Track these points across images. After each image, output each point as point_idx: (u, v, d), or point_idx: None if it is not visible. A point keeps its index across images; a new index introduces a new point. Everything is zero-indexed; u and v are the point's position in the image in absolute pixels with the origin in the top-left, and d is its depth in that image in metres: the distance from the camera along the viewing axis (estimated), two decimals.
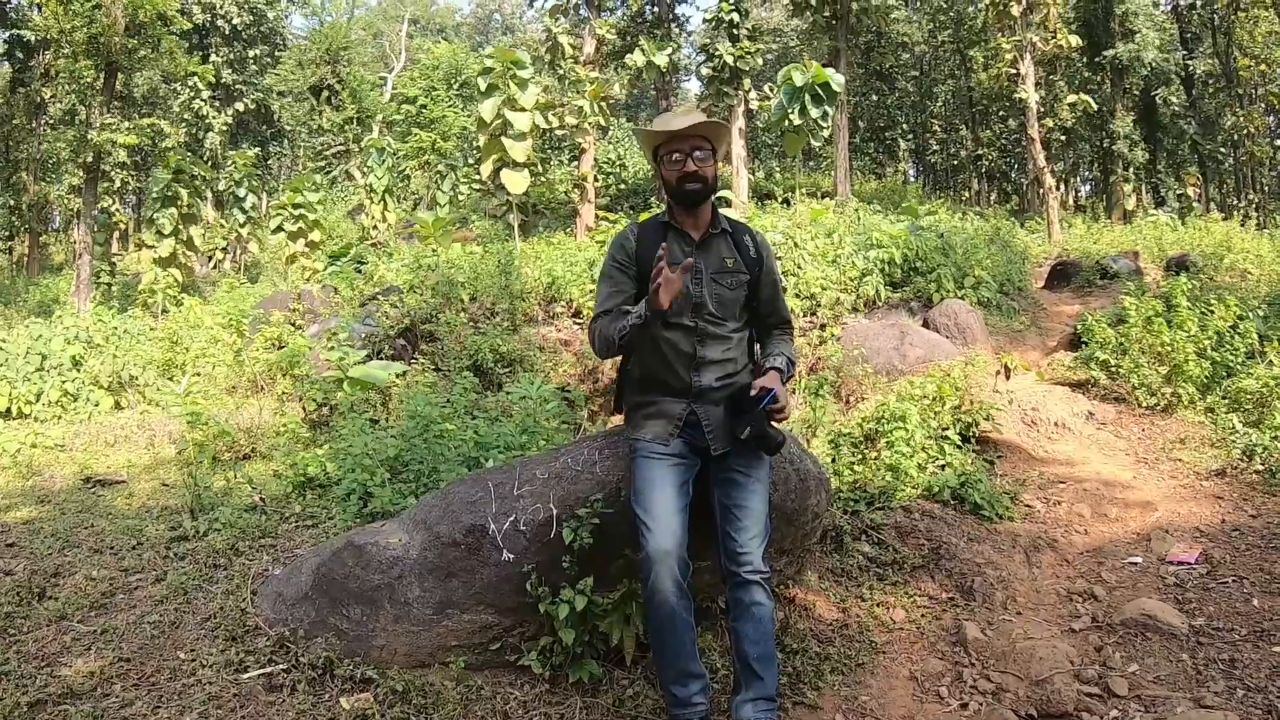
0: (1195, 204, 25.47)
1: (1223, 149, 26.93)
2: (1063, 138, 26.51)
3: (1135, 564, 4.39)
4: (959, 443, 6.01)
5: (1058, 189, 21.87)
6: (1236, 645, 3.35)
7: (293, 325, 9.69)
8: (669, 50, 18.89)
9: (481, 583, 2.98)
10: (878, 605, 3.89)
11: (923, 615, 3.84)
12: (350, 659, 2.92)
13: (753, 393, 2.76)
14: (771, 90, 15.57)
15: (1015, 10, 19.57)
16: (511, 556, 2.96)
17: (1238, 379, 7.03)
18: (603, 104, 14.38)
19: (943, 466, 5.60)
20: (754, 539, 2.76)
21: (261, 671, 2.88)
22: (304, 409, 6.34)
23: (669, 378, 2.88)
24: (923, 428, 5.92)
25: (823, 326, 9.43)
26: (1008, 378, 7.19)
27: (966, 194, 35.45)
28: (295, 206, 17.51)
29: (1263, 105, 25.68)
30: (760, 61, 16.25)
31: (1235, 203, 27.12)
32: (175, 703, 2.73)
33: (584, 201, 14.54)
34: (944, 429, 6.10)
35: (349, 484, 3.86)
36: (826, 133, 13.66)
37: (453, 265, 9.68)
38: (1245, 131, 24.38)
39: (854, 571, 4.14)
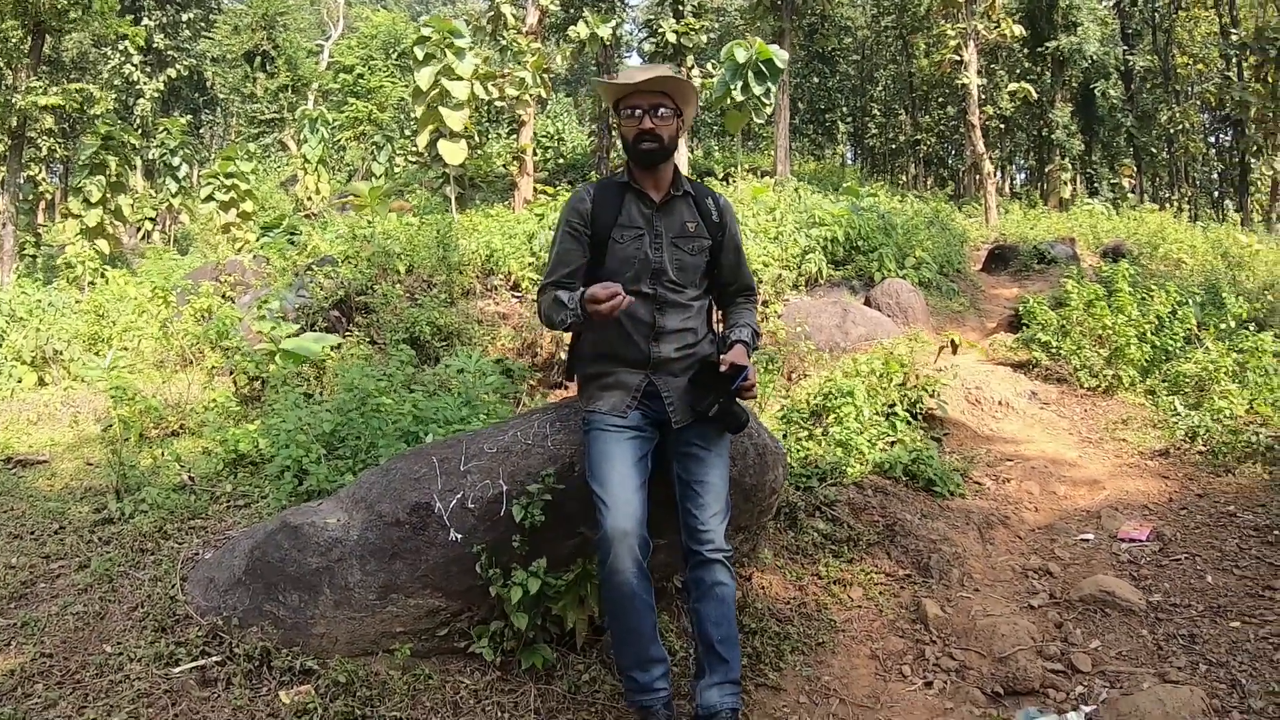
0: (1130, 195, 26.32)
1: (1158, 143, 27.92)
2: (1001, 125, 27.17)
3: (1088, 541, 4.41)
4: (907, 419, 6.01)
5: (995, 175, 22.33)
6: (1195, 621, 3.37)
7: (222, 297, 9.30)
8: (613, 23, 18.62)
9: (428, 564, 2.79)
10: (835, 583, 3.83)
11: (880, 593, 3.79)
12: (289, 649, 2.71)
13: (722, 369, 2.63)
14: (714, 68, 15.46)
15: None
16: (459, 536, 2.78)
17: (1177, 363, 7.19)
18: (544, 76, 14.08)
19: (893, 443, 5.59)
20: (715, 516, 2.65)
21: (194, 665, 2.67)
22: (235, 383, 6.02)
23: (626, 348, 2.76)
24: (870, 404, 5.90)
25: (765, 303, 9.41)
26: (954, 353, 7.23)
27: (904, 178, 36.07)
28: (228, 176, 16.85)
29: (1198, 102, 26.72)
30: (704, 39, 16.12)
31: (1168, 195, 28.24)
32: (102, 701, 2.52)
33: (522, 174, 14.25)
34: (891, 405, 6.09)
35: (282, 461, 3.62)
36: (769, 110, 13.62)
37: (389, 236, 9.38)
38: (1180, 127, 25.34)
39: (809, 549, 4.07)
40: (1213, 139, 29.82)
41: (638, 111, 2.71)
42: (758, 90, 12.87)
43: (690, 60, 15.19)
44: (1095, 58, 23.87)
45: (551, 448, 2.95)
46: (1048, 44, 24.75)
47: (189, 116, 27.54)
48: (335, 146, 24.19)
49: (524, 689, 2.77)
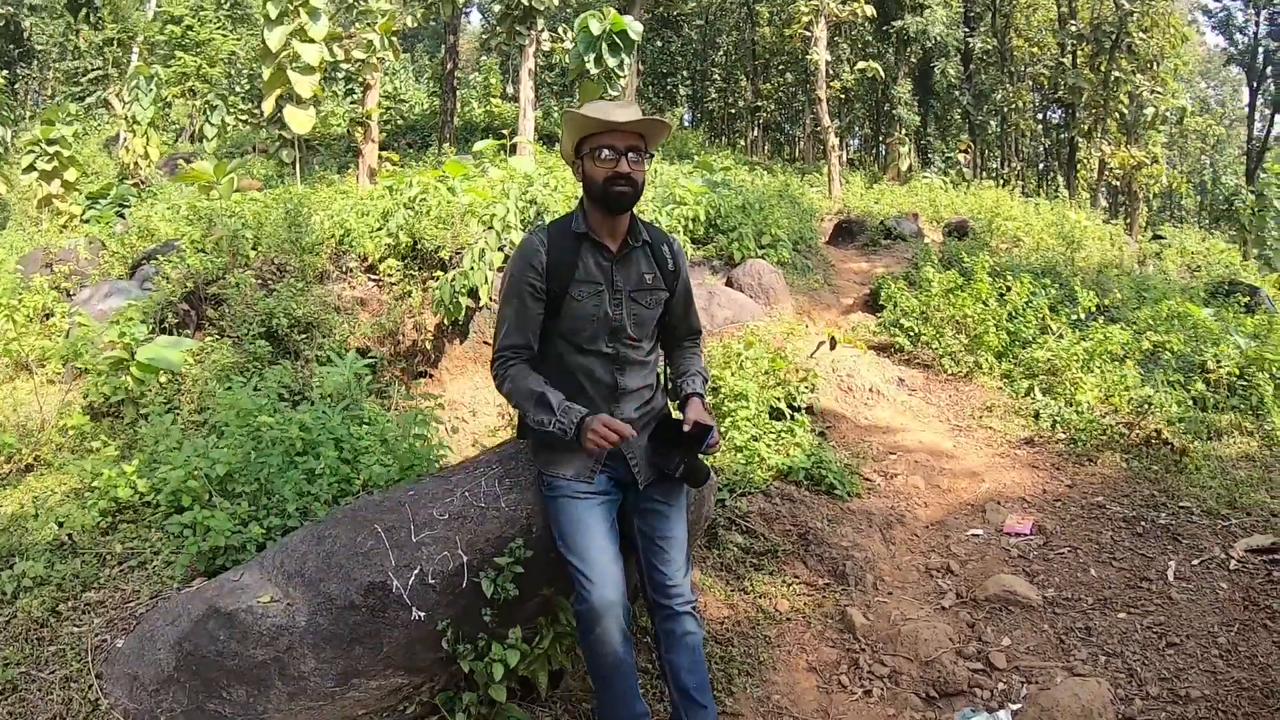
0: (966, 169, 28.89)
1: (991, 119, 30.86)
2: (841, 97, 29.14)
3: (978, 536, 5.05)
4: (789, 414, 6.49)
5: (838, 148, 24.02)
6: (1087, 614, 4.00)
7: (58, 290, 8.63)
8: None
9: (391, 646, 2.80)
10: (761, 597, 4.21)
11: (805, 604, 4.21)
12: None
13: (686, 428, 2.79)
14: (564, 32, 15.56)
15: None
16: (423, 614, 2.82)
17: (1032, 349, 8.15)
18: (392, 38, 13.71)
19: (781, 440, 6.04)
20: (680, 570, 2.84)
21: None
22: (84, 398, 5.68)
23: (588, 410, 2.78)
24: (758, 402, 6.34)
25: None
26: (832, 348, 7.84)
27: (742, 142, 37.65)
28: (50, 143, 15.26)
29: (1030, 82, 29.86)
30: (556, 1, 16.21)
31: (999, 169, 31.37)
32: None
33: (367, 141, 13.85)
34: (777, 401, 6.57)
35: (179, 522, 3.47)
36: (624, 82, 13.93)
37: (232, 214, 8.95)
38: (1013, 105, 28.20)
39: (732, 564, 4.44)
40: (1040, 117, 33.56)
41: (610, 153, 2.70)
42: (612, 62, 13.14)
43: (541, 23, 15.23)
44: (938, 38, 25.99)
45: (507, 509, 3.00)
46: (894, 23, 26.61)
47: (4, 72, 24.69)
48: (163, 105, 22.56)
49: None
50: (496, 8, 15.49)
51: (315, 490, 3.80)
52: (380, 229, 8.92)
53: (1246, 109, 39.08)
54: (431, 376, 8.81)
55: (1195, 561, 4.39)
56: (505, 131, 17.16)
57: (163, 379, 5.96)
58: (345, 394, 5.70)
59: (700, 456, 2.84)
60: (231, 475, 3.84)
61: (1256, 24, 34.91)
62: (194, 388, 6.05)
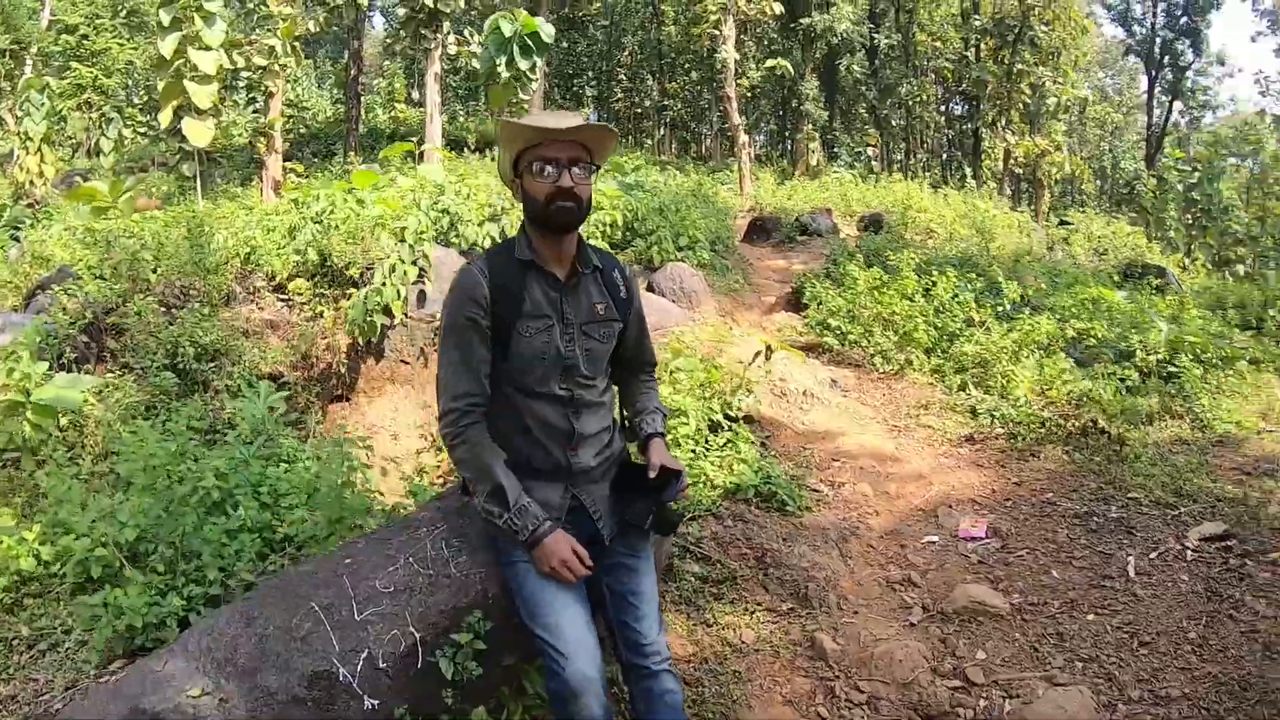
0: (874, 163, 29.75)
1: (896, 112, 31.87)
2: (748, 94, 29.74)
3: (934, 543, 5.05)
4: (727, 425, 6.43)
5: (749, 145, 24.51)
6: (1057, 619, 4.01)
7: None
8: None
9: None
10: (725, 629, 4.10)
11: (771, 632, 4.11)
12: None
13: (651, 474, 2.65)
14: (470, 35, 15.34)
15: None
16: (376, 703, 2.57)
17: (960, 343, 8.30)
18: (295, 44, 13.27)
19: (731, 463, 5.98)
20: (654, 625, 2.68)
21: None
22: None
23: (542, 460, 2.62)
24: (698, 417, 6.27)
25: None
26: (767, 359, 7.82)
27: (650, 142, 37.99)
28: None
29: (933, 76, 30.94)
30: (461, 4, 15.96)
31: (904, 161, 32.50)
32: None
33: (270, 152, 13.36)
34: (714, 412, 6.51)
35: (88, 605, 3.18)
36: (535, 85, 13.79)
37: (131, 234, 8.46)
38: (918, 99, 29.23)
39: (691, 596, 4.32)
40: (944, 109, 34.92)
41: (551, 167, 2.51)
42: (524, 65, 12.99)
43: (447, 27, 14.98)
44: (845, 35, 26.68)
45: (458, 575, 2.77)
46: (802, 20, 27.18)
47: None
48: (57, 118, 21.44)
49: None
50: (401, 11, 15.19)
51: (236, 547, 3.55)
52: (287, 246, 8.55)
53: (1144, 97, 41.25)
54: (348, 400, 8.50)
55: (1153, 554, 4.47)
56: (414, 139, 16.88)
57: (64, 422, 5.56)
58: (261, 429, 5.43)
59: (669, 505, 2.69)
60: (143, 537, 3.56)
61: (1154, 15, 37.03)
62: (97, 430, 5.66)
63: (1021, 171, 28.51)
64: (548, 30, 13.47)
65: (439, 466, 6.89)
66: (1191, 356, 7.40)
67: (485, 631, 2.67)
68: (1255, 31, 56.35)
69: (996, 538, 4.95)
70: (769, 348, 7.83)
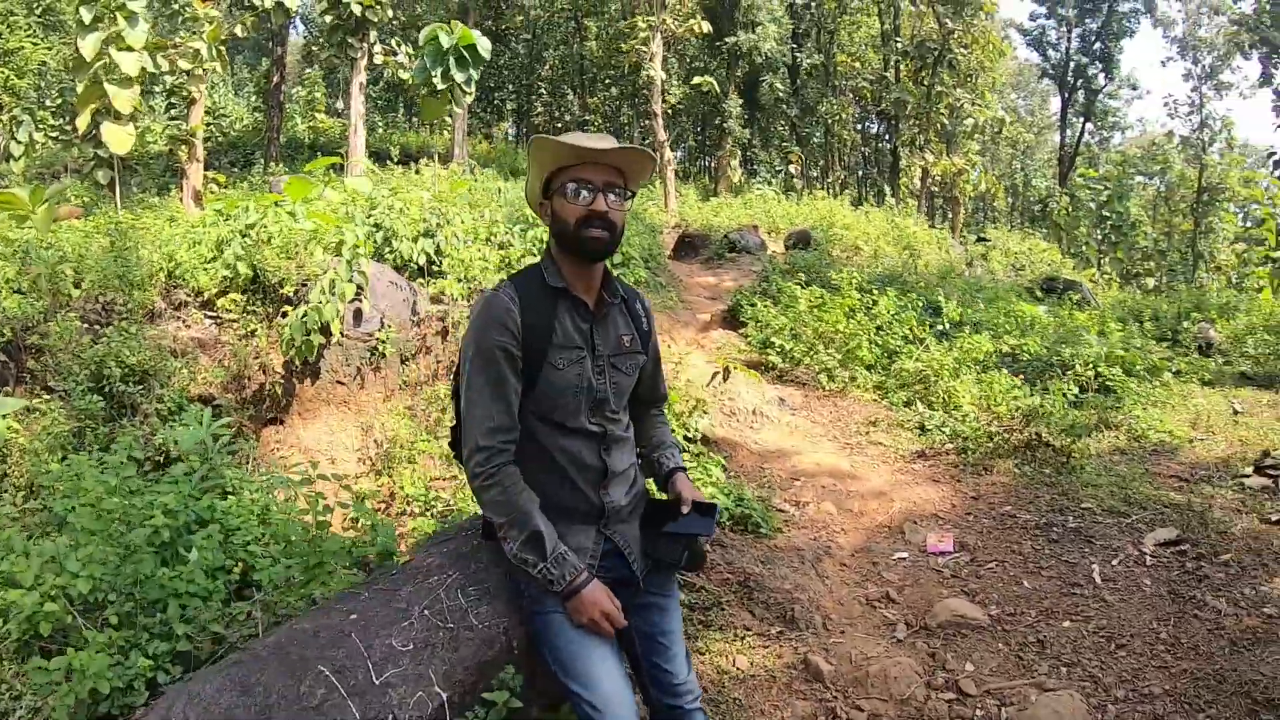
0: (797, 180, 30.59)
1: (816, 130, 32.90)
2: (670, 111, 30.43)
3: (904, 559, 5.26)
4: (685, 445, 6.57)
5: (673, 161, 25.03)
6: (1035, 627, 4.25)
7: None
8: None
9: None
10: (717, 655, 4.20)
11: (764, 656, 4.24)
12: None
13: (684, 509, 2.64)
14: (397, 44, 15.27)
15: None
16: None
17: (900, 360, 8.64)
18: (221, 48, 12.96)
19: (701, 486, 6.12)
20: (684, 665, 2.66)
21: None
22: None
23: (573, 500, 2.53)
24: None
25: None
26: (725, 379, 8.01)
27: None
28: None
29: (852, 95, 32.11)
30: (389, 14, 15.87)
31: (823, 179, 33.60)
32: None
33: (192, 160, 12.98)
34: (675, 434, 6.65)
35: (45, 671, 3.01)
36: (470, 98, 13.79)
37: (49, 246, 8.09)
38: (837, 117, 30.28)
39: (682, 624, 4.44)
40: (861, 128, 36.27)
41: (586, 190, 2.41)
42: (460, 77, 13.00)
43: (374, 36, 14.86)
44: (769, 54, 27.47)
45: (481, 627, 2.63)
46: (727, 39, 27.94)
47: None
48: None
49: None
50: (326, 19, 14.99)
51: (200, 594, 3.31)
52: (215, 260, 8.29)
53: (1056, 118, 43.46)
54: (282, 423, 8.29)
55: (1114, 561, 4.77)
56: (336, 150, 16.57)
57: None
58: (204, 458, 5.24)
59: (699, 537, 2.70)
60: (96, 588, 3.39)
61: (1069, 40, 39.21)
62: (23, 460, 5.41)
63: (937, 189, 29.73)
64: (484, 44, 13.51)
65: (379, 492, 6.84)
66: (1122, 370, 7.85)
67: (519, 688, 2.59)
68: (1166, 57, 60.15)
69: (965, 551, 5.19)
70: (727, 369, 8.02)
